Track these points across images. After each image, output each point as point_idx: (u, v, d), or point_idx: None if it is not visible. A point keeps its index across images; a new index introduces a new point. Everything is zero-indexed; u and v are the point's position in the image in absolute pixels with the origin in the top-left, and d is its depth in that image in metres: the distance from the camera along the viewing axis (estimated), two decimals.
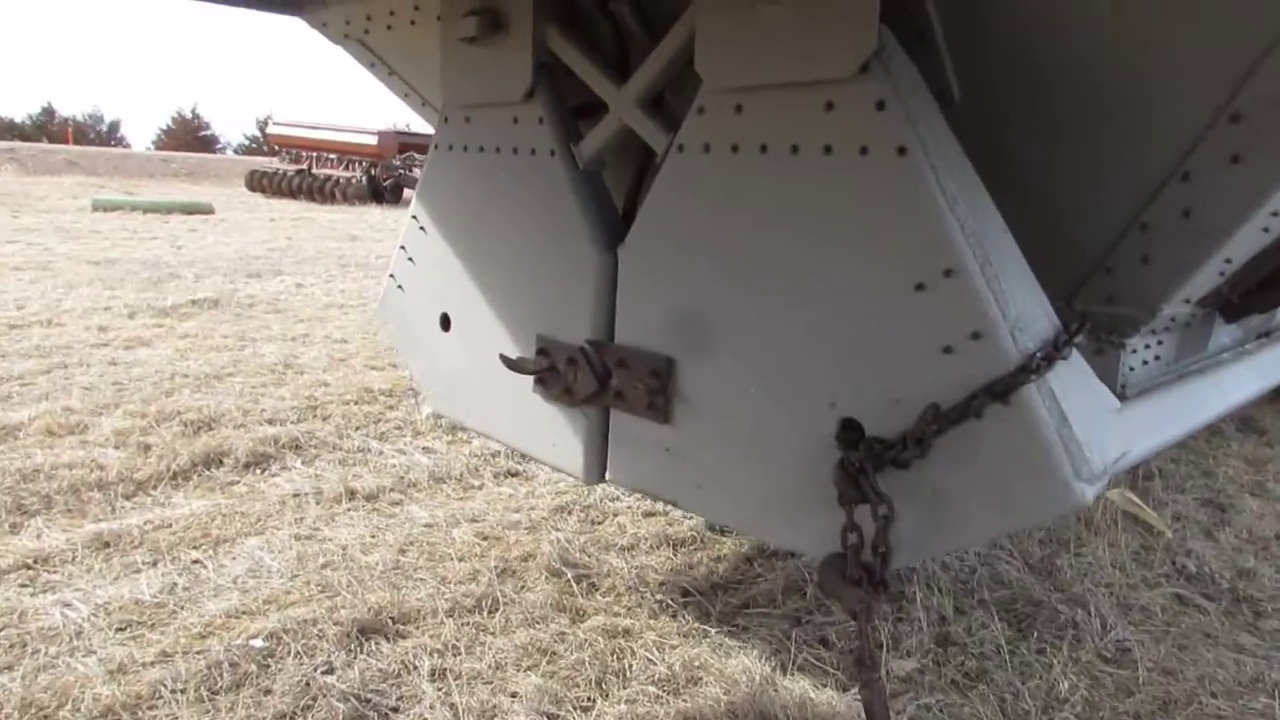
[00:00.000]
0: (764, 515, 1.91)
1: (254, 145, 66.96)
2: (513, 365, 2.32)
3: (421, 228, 2.75)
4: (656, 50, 2.05)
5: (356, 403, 5.13)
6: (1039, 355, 1.44)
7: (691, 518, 3.74)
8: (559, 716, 2.40)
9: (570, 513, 3.76)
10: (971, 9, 1.72)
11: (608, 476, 2.28)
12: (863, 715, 1.72)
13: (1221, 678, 2.82)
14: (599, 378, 2.17)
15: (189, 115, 76.16)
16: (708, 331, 1.94)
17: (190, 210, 18.55)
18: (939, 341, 1.54)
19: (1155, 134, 1.82)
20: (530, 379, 2.36)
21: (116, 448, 4.20)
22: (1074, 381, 1.56)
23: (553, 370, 2.28)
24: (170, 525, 3.46)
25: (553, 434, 2.39)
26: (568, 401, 2.29)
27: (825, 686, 2.61)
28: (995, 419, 1.48)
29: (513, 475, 4.21)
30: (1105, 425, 1.61)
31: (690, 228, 1.95)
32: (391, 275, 2.90)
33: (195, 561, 3.20)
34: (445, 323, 2.71)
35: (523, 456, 4.35)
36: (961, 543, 1.65)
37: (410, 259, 2.82)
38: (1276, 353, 3.27)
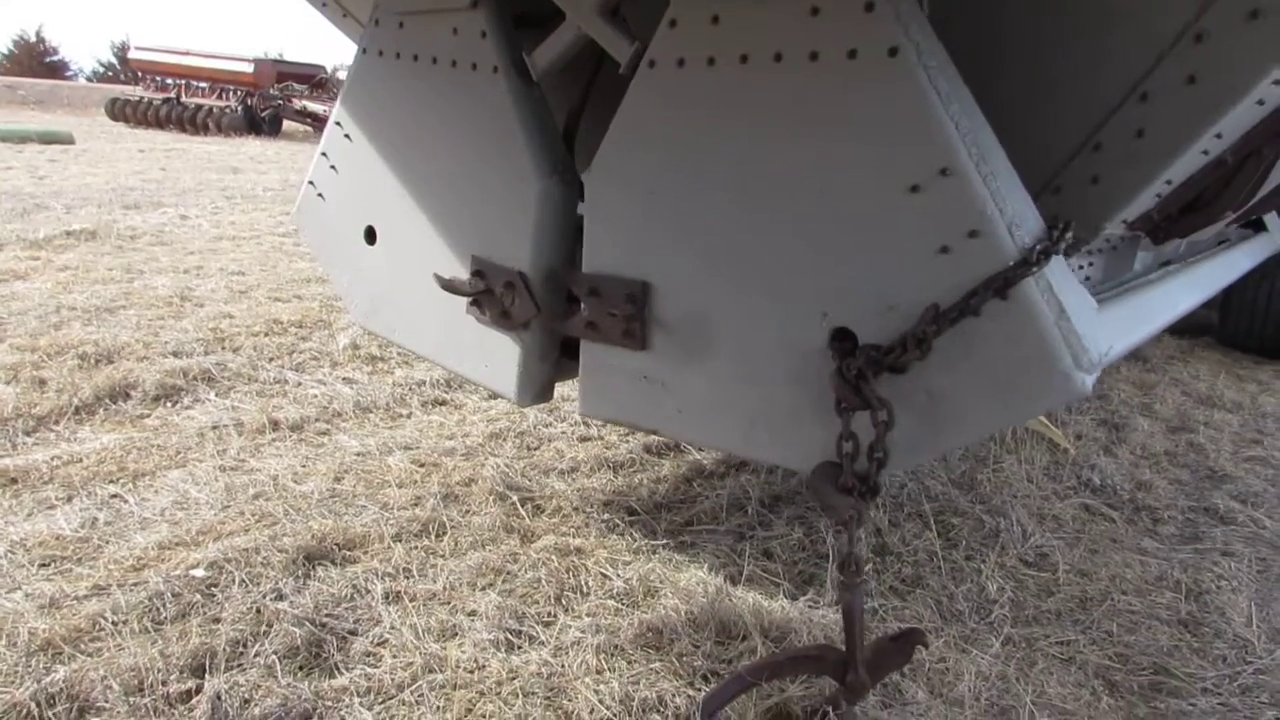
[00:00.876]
0: (751, 434, 1.89)
1: (111, 72, 62.29)
2: (447, 286, 2.26)
3: (346, 135, 2.61)
4: None
5: (266, 334, 4.92)
6: (1037, 249, 1.46)
7: (629, 441, 3.76)
8: (522, 632, 2.40)
9: (505, 439, 3.73)
10: None
11: (580, 410, 2.21)
12: (842, 614, 1.77)
13: (1130, 577, 3.03)
14: (537, 303, 2.13)
15: (33, 39, 70.02)
16: (687, 252, 1.89)
17: (48, 139, 17.22)
18: (935, 242, 1.53)
19: (1119, 53, 1.87)
20: (463, 298, 2.30)
21: (7, 383, 3.91)
22: (1063, 278, 1.59)
23: (488, 293, 2.22)
24: (81, 460, 3.26)
25: (485, 355, 2.34)
26: (504, 325, 2.24)
27: (777, 596, 2.69)
28: (994, 315, 1.49)
29: (441, 404, 4.13)
30: (1093, 320, 1.65)
31: (665, 146, 1.89)
32: (311, 182, 2.77)
33: (114, 496, 3.04)
34: (371, 235, 2.61)
35: (451, 382, 4.28)
36: (958, 441, 1.66)
37: (333, 167, 2.69)
38: (1205, 269, 3.47)
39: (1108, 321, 2.03)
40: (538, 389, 2.31)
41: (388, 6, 2.43)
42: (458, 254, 2.33)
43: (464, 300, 2.30)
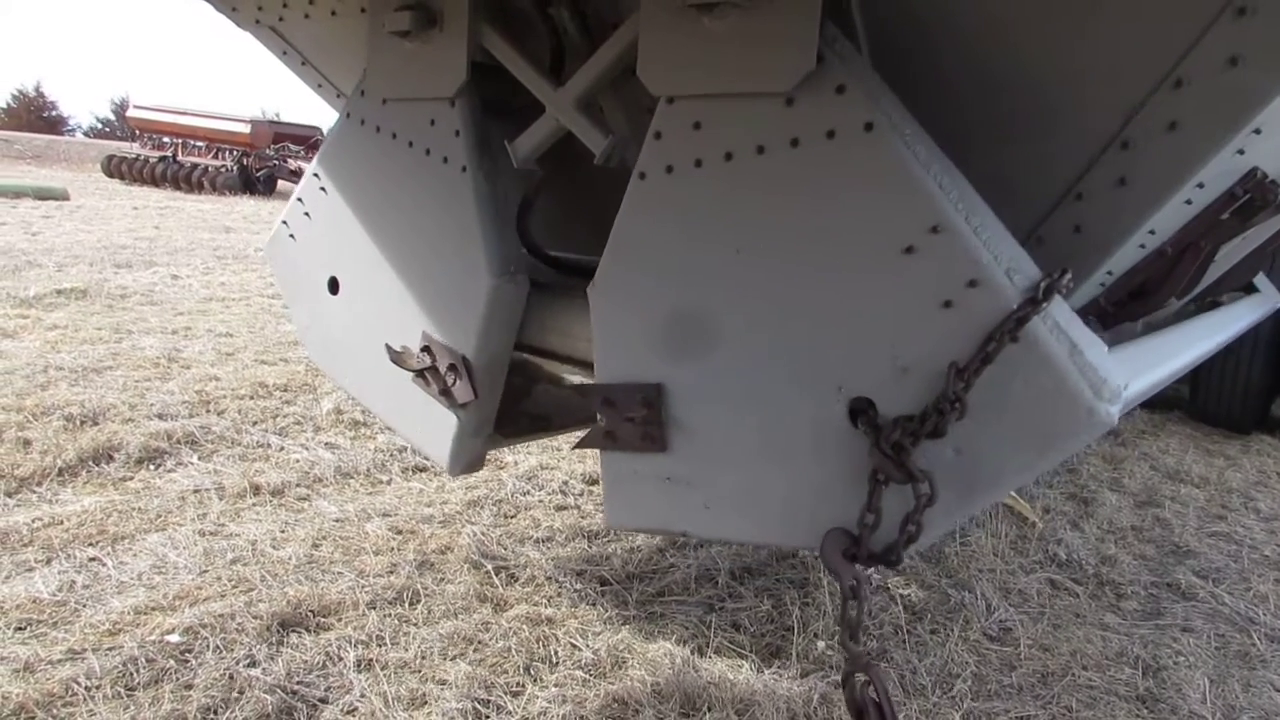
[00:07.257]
0: (785, 519, 1.84)
1: (108, 128, 63.07)
2: (396, 358, 2.38)
3: (322, 188, 2.73)
4: (598, 53, 2.10)
5: (251, 398, 4.99)
6: (1042, 286, 1.45)
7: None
8: (490, 702, 2.45)
9: (483, 507, 3.79)
10: None
11: (607, 522, 2.18)
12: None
13: (1091, 652, 3.10)
14: (475, 389, 2.26)
15: (32, 93, 70.86)
16: (696, 348, 1.92)
17: (43, 195, 17.37)
18: (937, 298, 1.55)
19: (1054, 156, 1.95)
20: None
21: None
22: (1069, 320, 1.58)
23: (434, 370, 2.35)
24: (61, 522, 3.31)
25: (425, 423, 2.45)
26: (444, 403, 2.35)
27: (742, 667, 2.74)
28: (1008, 361, 1.48)
29: (421, 470, 4.19)
30: (1105, 356, 1.61)
31: (665, 251, 1.93)
32: (285, 222, 2.89)
33: (93, 559, 3.08)
34: (334, 286, 2.74)
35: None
36: (990, 498, 1.58)
37: (306, 213, 2.82)
38: (1213, 320, 3.52)
39: (1121, 361, 2.01)
40: (468, 461, 2.42)
41: (374, 90, 2.56)
42: (410, 325, 2.44)
43: None
